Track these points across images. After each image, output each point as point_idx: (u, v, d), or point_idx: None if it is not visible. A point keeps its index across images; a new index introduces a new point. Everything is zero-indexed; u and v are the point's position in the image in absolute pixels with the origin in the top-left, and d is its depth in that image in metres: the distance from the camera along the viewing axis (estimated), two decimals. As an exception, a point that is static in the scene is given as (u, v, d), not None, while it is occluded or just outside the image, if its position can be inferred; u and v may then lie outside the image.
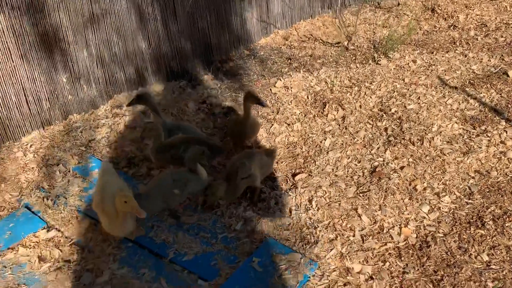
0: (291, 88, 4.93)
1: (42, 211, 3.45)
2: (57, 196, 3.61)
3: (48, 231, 3.27)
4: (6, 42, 4.04)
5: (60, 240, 3.19)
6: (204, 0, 5.52)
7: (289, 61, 5.72)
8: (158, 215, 3.34)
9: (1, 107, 4.17)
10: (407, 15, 6.79)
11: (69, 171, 3.90)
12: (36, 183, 3.78)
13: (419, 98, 4.44)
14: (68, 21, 4.39)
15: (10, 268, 2.98)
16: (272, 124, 4.36)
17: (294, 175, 3.67)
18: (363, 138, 4.01)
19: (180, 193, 3.21)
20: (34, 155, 4.10)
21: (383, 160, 3.71)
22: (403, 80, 4.84)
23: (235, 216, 3.29)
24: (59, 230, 3.27)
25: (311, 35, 6.40)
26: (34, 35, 4.21)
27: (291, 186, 3.57)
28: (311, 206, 3.31)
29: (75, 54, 4.51)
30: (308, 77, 5.15)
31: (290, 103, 4.65)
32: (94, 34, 4.61)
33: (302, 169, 3.73)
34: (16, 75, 4.19)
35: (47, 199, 3.56)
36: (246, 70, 5.53)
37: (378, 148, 3.86)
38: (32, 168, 3.94)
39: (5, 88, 4.15)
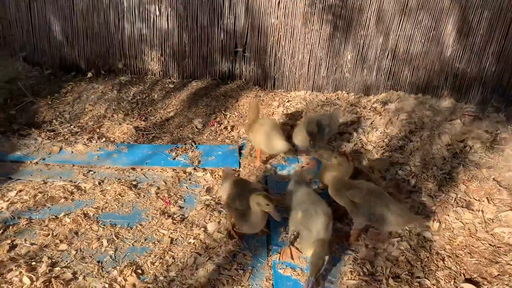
0: None
1: (244, 156, 3.94)
2: (261, 153, 3.99)
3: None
4: (317, 7, 4.43)
5: (232, 186, 3.62)
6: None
7: None
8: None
9: (288, 60, 4.74)
10: None
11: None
12: (261, 133, 4.25)
13: None
14: (374, 8, 4.37)
15: (191, 183, 3.62)
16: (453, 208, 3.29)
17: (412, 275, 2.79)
18: None
19: None
20: (285, 110, 4.55)
21: None
22: None
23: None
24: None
25: None
26: (340, 13, 4.43)
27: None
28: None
29: (369, 38, 4.51)
30: None
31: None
32: (398, 26, 4.43)
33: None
34: (310, 39, 4.60)
35: (253, 150, 3.99)
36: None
37: None
38: (273, 119, 4.42)
39: (297, 46, 4.65)
